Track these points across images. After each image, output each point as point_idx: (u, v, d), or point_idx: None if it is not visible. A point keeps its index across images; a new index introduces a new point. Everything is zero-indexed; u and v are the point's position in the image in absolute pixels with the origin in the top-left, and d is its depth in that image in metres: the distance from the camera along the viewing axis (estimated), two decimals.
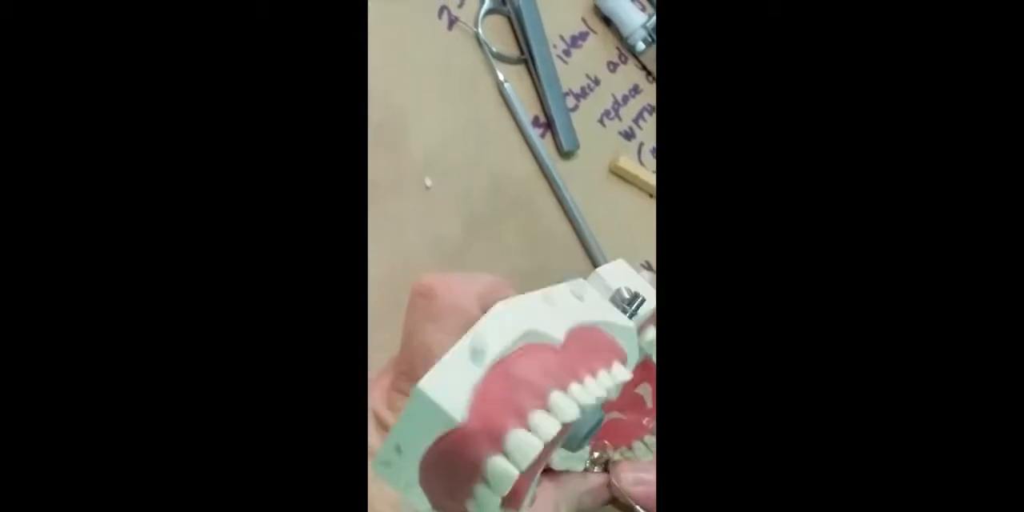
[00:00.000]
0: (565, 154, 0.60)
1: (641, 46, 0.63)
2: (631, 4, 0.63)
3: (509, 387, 0.26)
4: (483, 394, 0.26)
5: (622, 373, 0.30)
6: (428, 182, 0.55)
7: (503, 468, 0.26)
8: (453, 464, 0.26)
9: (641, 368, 0.38)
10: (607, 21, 0.65)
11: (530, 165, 0.59)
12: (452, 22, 0.58)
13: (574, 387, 0.28)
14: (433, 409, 0.25)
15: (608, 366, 0.30)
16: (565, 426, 0.27)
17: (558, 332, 0.29)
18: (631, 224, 0.60)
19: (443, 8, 0.58)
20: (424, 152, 0.55)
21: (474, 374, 0.26)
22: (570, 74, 0.61)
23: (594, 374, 0.29)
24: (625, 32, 0.64)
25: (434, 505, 0.28)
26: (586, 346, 0.30)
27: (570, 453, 0.35)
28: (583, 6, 0.64)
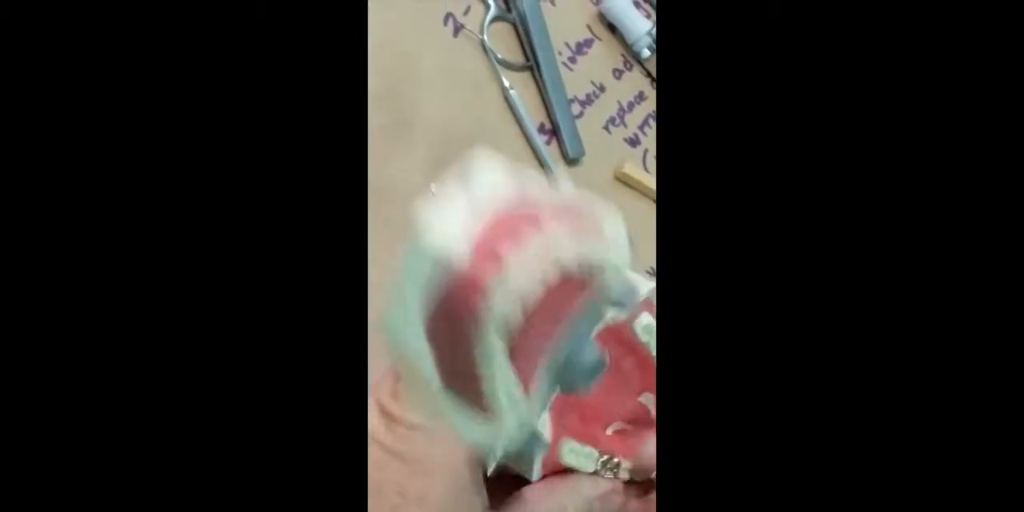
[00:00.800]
0: (570, 161, 0.60)
1: (646, 53, 0.64)
2: (636, 11, 0.64)
3: (506, 222, 0.26)
4: (480, 233, 0.26)
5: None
6: (434, 188, 0.55)
7: (504, 294, 0.26)
8: (455, 310, 0.26)
9: (641, 373, 0.38)
10: (612, 28, 0.65)
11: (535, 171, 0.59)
12: (458, 29, 0.58)
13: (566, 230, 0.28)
14: (429, 249, 0.26)
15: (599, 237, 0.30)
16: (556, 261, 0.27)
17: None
18: (636, 231, 0.60)
19: (449, 15, 0.58)
20: (429, 158, 0.55)
21: (468, 214, 0.26)
22: (575, 81, 0.61)
23: (586, 232, 0.29)
24: (630, 39, 0.64)
25: (445, 382, 0.28)
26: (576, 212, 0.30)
27: (580, 448, 0.36)
28: (588, 13, 0.64)
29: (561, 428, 0.38)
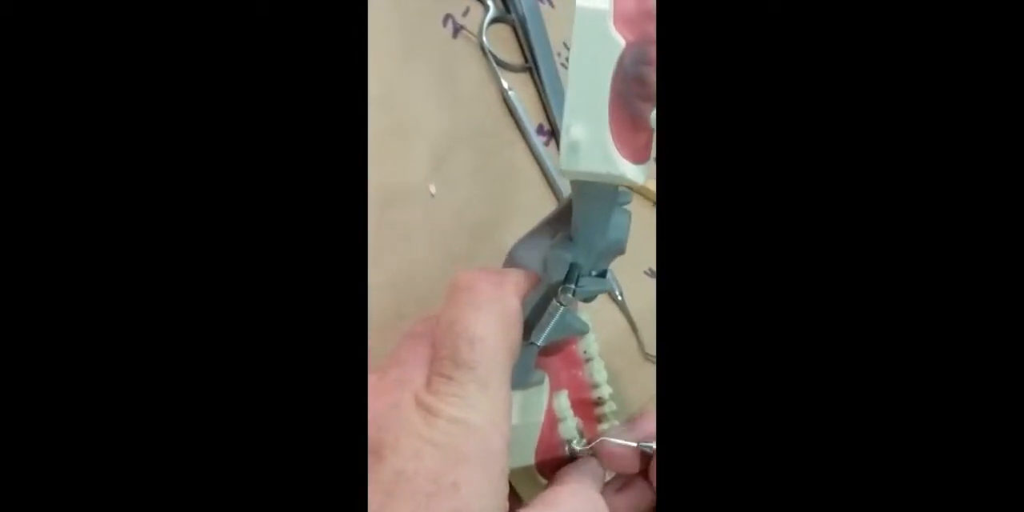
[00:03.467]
0: None
1: None
2: None
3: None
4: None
5: None
6: (433, 190, 0.55)
7: None
8: (631, 82, 0.29)
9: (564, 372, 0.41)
10: None
11: (534, 173, 0.59)
12: (457, 30, 0.58)
13: None
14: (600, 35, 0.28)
15: None
16: None
17: None
18: (634, 232, 0.60)
19: (448, 16, 0.58)
20: (429, 160, 0.55)
21: None
22: None
23: None
24: None
25: (625, 154, 0.30)
26: None
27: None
28: None
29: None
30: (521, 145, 0.59)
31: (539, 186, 0.59)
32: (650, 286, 0.59)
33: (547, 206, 0.59)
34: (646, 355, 0.57)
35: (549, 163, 0.59)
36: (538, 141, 0.59)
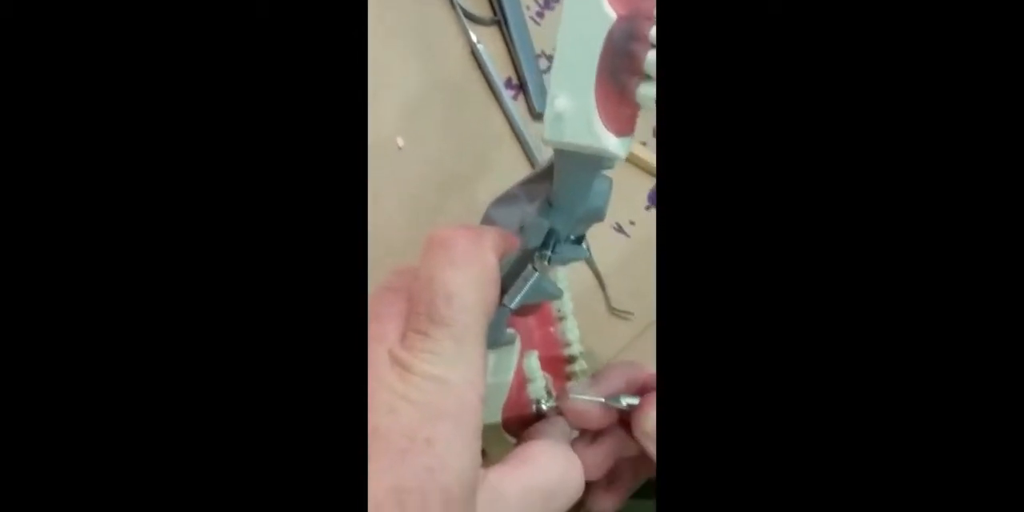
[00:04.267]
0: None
1: None
2: None
3: None
4: None
5: None
6: (400, 142, 0.55)
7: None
8: (619, 56, 0.29)
9: (536, 333, 0.41)
10: None
11: (502, 126, 0.59)
12: None
13: None
14: (592, 8, 0.28)
15: None
16: None
17: None
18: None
19: None
20: (396, 113, 0.55)
21: None
22: (543, 36, 0.61)
23: None
24: None
25: (610, 127, 0.30)
26: None
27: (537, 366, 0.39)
28: None
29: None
30: (490, 99, 0.59)
31: (508, 140, 0.59)
32: (618, 241, 0.60)
33: (516, 160, 0.59)
34: (613, 310, 0.58)
35: (517, 117, 0.58)
36: (506, 94, 0.59)
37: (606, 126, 0.30)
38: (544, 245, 0.36)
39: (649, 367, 0.40)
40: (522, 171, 0.59)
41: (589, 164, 0.32)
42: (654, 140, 0.62)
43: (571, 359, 0.44)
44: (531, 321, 0.44)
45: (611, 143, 0.30)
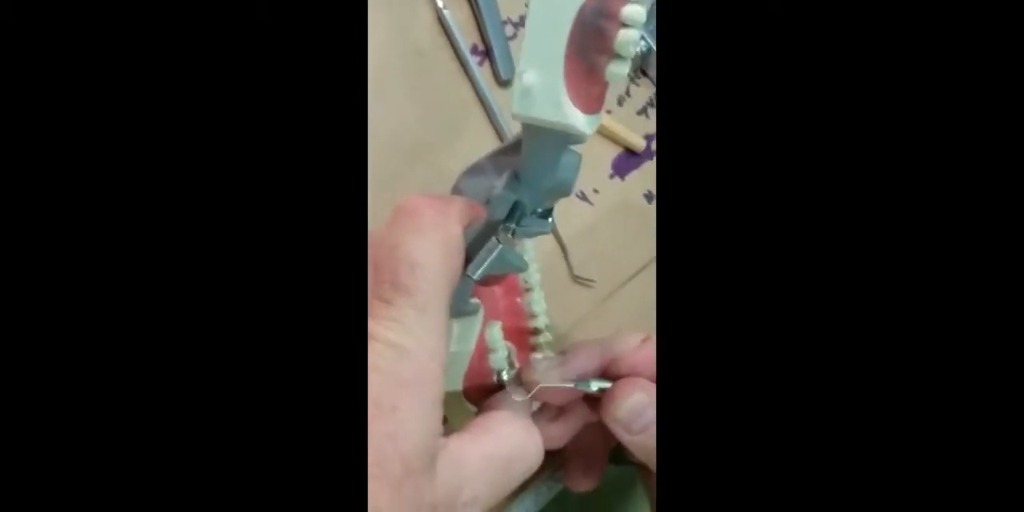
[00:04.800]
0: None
1: None
2: None
3: None
4: None
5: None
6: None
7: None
8: (590, 34, 0.29)
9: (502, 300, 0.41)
10: None
11: (468, 92, 0.59)
12: None
13: None
14: None
15: None
16: None
17: None
18: None
19: None
20: None
21: None
22: (509, 2, 0.61)
23: None
24: None
25: (578, 104, 0.30)
26: None
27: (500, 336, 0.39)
28: None
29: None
30: (455, 65, 0.59)
31: (474, 107, 0.59)
32: (581, 209, 0.60)
33: (483, 127, 0.59)
34: (576, 278, 0.59)
35: (483, 83, 0.58)
36: (472, 60, 0.58)
37: (574, 103, 0.30)
38: (509, 218, 0.36)
39: (615, 344, 0.41)
40: (488, 138, 0.59)
41: (557, 139, 0.32)
42: (620, 108, 0.62)
43: (536, 330, 0.45)
44: (497, 291, 0.45)
45: (578, 120, 0.30)
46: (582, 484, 0.44)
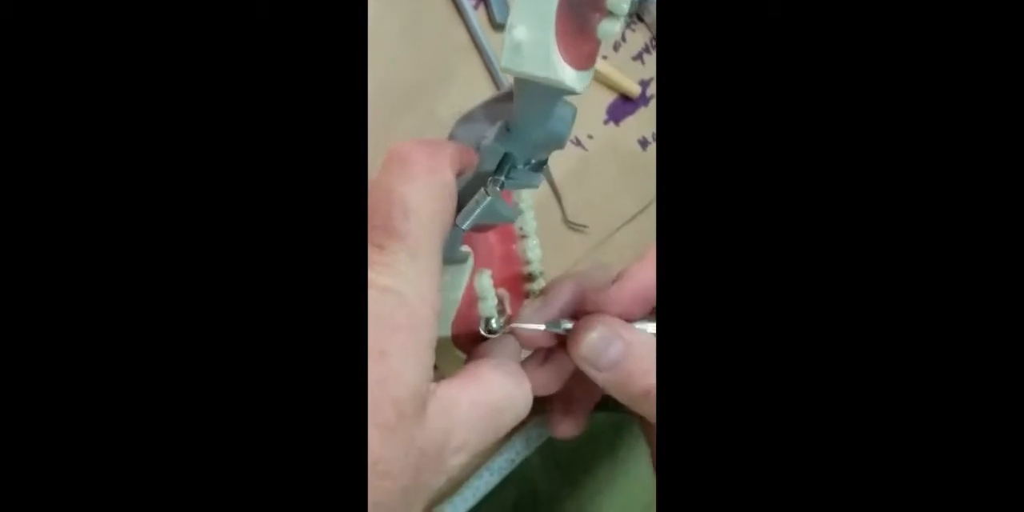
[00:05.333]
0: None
1: None
2: None
3: None
4: None
5: None
6: None
7: None
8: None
9: (497, 248, 0.42)
10: None
11: (462, 36, 0.58)
12: None
13: None
14: None
15: None
16: None
17: None
18: None
19: None
20: None
21: None
22: None
23: None
24: None
25: (569, 61, 0.30)
26: None
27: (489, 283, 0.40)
28: None
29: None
30: (450, 8, 0.58)
31: (468, 51, 0.58)
32: (574, 153, 0.60)
33: (476, 71, 0.58)
34: (568, 224, 0.59)
35: (478, 27, 0.58)
36: (467, 4, 0.58)
37: (565, 59, 0.30)
38: (498, 170, 0.36)
39: (586, 280, 0.41)
40: (482, 83, 0.59)
41: (548, 93, 0.32)
42: (615, 54, 0.62)
43: (530, 277, 0.45)
44: (492, 238, 0.45)
45: (568, 77, 0.30)
46: (564, 430, 0.44)
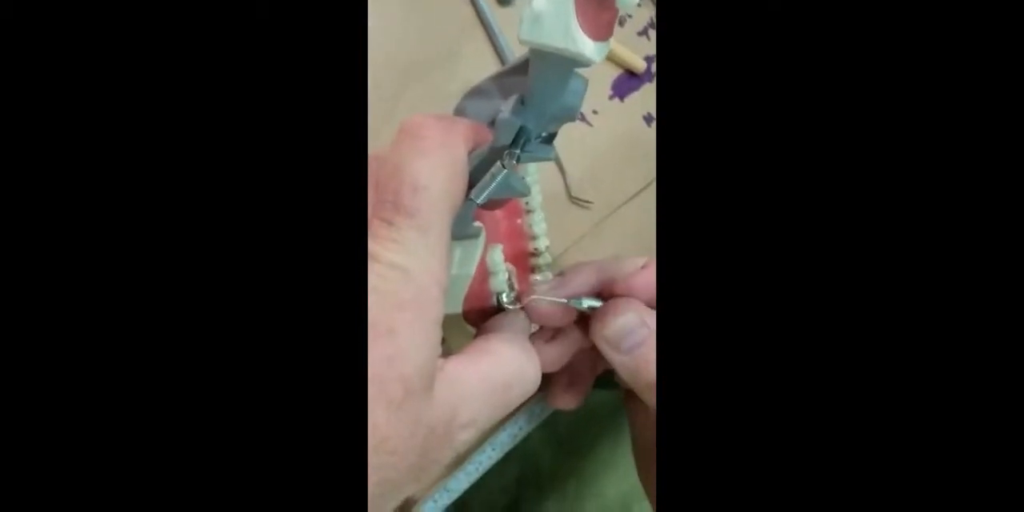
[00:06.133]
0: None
1: None
2: None
3: None
4: None
5: None
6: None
7: None
8: None
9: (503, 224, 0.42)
10: None
11: (467, 10, 0.58)
12: None
13: None
14: None
15: None
16: None
17: None
18: None
19: None
20: None
21: None
22: None
23: None
24: None
25: (587, 31, 0.30)
26: None
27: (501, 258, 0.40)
28: None
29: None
30: None
31: (474, 26, 0.58)
32: (580, 130, 0.60)
33: (481, 47, 0.58)
34: (573, 199, 0.59)
35: (484, 2, 0.57)
36: None
37: (583, 30, 0.29)
38: (514, 143, 0.36)
39: (614, 266, 0.41)
40: (487, 59, 0.58)
41: (564, 64, 0.32)
42: (620, 29, 0.62)
43: (536, 252, 0.45)
44: (499, 214, 0.45)
45: (587, 48, 0.30)
46: (563, 401, 0.45)
